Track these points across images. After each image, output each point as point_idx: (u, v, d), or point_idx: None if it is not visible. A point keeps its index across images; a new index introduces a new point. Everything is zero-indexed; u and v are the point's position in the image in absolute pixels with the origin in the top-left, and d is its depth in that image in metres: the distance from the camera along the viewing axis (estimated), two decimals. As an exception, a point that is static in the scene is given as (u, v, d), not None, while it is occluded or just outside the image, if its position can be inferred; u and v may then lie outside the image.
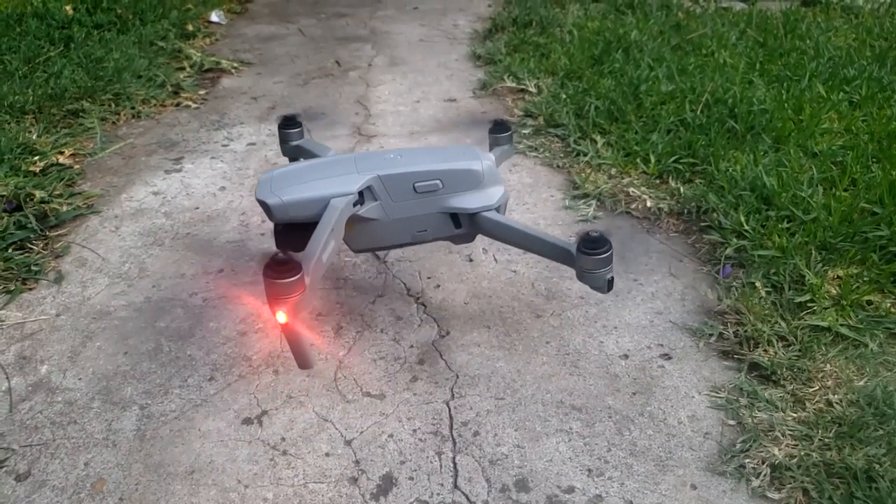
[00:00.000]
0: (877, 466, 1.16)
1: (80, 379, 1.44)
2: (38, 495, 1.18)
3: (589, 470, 1.22)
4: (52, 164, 2.28)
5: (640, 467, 1.23)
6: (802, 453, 1.20)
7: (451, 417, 1.33)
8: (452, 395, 1.39)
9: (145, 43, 3.46)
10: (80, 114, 2.66)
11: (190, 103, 2.94)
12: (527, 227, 1.49)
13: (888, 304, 1.55)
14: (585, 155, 2.31)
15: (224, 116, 2.82)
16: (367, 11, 4.56)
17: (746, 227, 1.79)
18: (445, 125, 2.70)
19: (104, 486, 1.19)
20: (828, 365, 1.39)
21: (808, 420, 1.27)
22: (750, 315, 1.53)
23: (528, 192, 2.16)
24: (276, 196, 1.38)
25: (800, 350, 1.43)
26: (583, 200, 2.07)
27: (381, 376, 1.44)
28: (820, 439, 1.23)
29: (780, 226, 1.78)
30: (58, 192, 2.11)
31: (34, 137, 2.39)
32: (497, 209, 1.50)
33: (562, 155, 2.38)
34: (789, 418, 1.28)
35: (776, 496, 1.15)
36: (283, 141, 1.80)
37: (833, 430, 1.24)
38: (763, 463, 1.20)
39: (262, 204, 1.39)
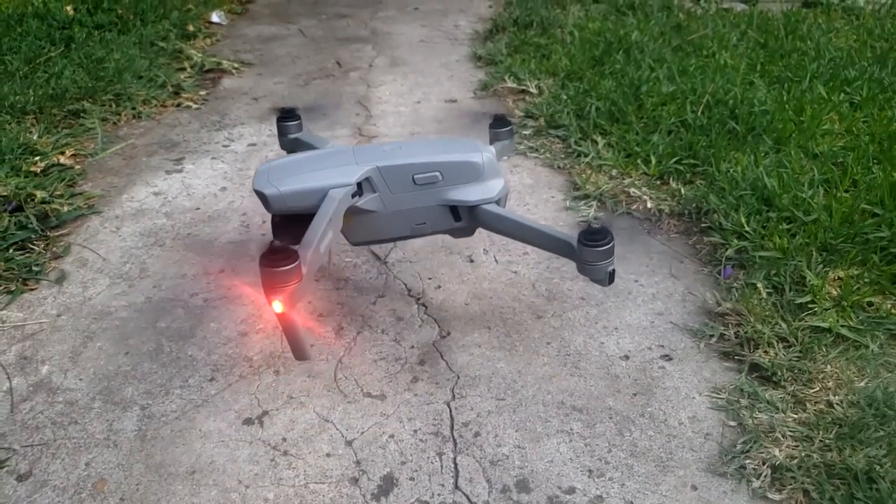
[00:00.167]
0: (877, 467, 1.16)
1: (81, 379, 1.44)
2: (39, 495, 1.18)
3: (590, 471, 1.22)
4: (53, 165, 2.29)
5: (640, 468, 1.23)
6: (803, 454, 1.20)
7: (451, 418, 1.33)
8: (453, 396, 1.39)
9: (146, 43, 3.46)
10: (81, 114, 2.67)
11: (191, 104, 2.94)
12: (527, 220, 1.48)
13: (889, 306, 1.55)
14: (586, 156, 2.32)
15: (225, 117, 2.82)
16: (367, 12, 4.56)
17: (747, 229, 1.79)
18: (446, 126, 2.70)
19: (105, 487, 1.19)
20: (828, 366, 1.39)
21: (808, 421, 1.27)
22: (750, 316, 1.53)
23: (528, 192, 2.16)
24: (274, 187, 1.36)
25: (800, 351, 1.43)
26: (583, 201, 2.07)
27: (382, 377, 1.44)
28: (820, 440, 1.23)
29: (780, 227, 1.78)
30: (59, 193, 2.11)
31: (35, 138, 2.39)
32: (497, 202, 1.49)
33: (562, 156, 2.38)
34: (790, 419, 1.28)
35: (777, 497, 1.15)
36: (282, 134, 1.79)
37: (834, 431, 1.24)
38: (764, 464, 1.20)
39: (260, 195, 1.37)
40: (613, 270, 1.37)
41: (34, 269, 1.77)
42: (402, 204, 1.47)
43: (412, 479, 1.21)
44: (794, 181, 1.95)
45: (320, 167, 1.42)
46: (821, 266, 1.66)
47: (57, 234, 1.94)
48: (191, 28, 3.89)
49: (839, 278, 1.64)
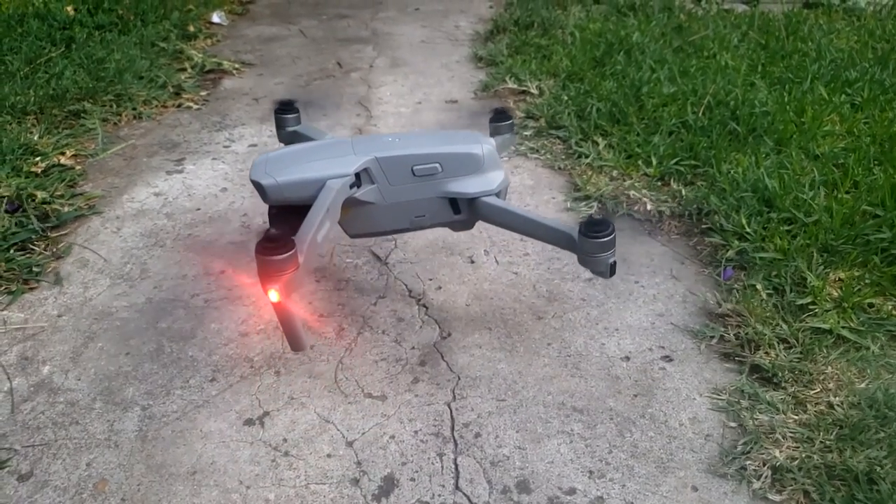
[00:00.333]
0: (878, 469, 1.16)
1: (81, 380, 1.44)
2: (40, 495, 1.18)
3: (590, 471, 1.22)
4: (54, 165, 2.29)
5: (641, 469, 1.23)
6: (803, 455, 1.21)
7: (452, 419, 1.34)
8: (454, 397, 1.39)
9: (146, 44, 3.46)
10: (82, 115, 2.67)
11: (191, 104, 2.94)
12: (527, 212, 1.47)
13: (890, 307, 1.55)
14: (587, 157, 2.32)
15: (225, 117, 2.82)
16: (368, 13, 4.56)
17: (748, 230, 1.80)
18: (447, 126, 2.70)
19: (106, 487, 1.20)
20: (829, 367, 1.39)
21: (809, 422, 1.27)
22: (751, 317, 1.53)
23: (529, 193, 2.16)
24: (271, 177, 1.34)
25: (801, 352, 1.43)
26: (584, 202, 2.07)
27: (383, 377, 1.44)
28: (821, 441, 1.23)
29: (781, 228, 1.78)
30: (59, 193, 2.11)
31: (36, 138, 2.39)
32: (497, 195, 1.47)
33: (563, 157, 2.38)
34: (790, 420, 1.28)
35: (777, 498, 1.15)
36: (280, 126, 1.78)
37: (834, 433, 1.24)
38: (764, 465, 1.20)
39: (256, 185, 1.36)
40: (615, 262, 1.35)
41: (35, 269, 1.77)
42: (401, 196, 1.45)
43: (413, 479, 1.21)
44: (794, 182, 1.95)
45: (318, 158, 1.40)
46: (821, 267, 1.66)
47: (58, 234, 1.94)
48: (191, 28, 3.90)
49: (840, 279, 1.64)
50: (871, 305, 1.56)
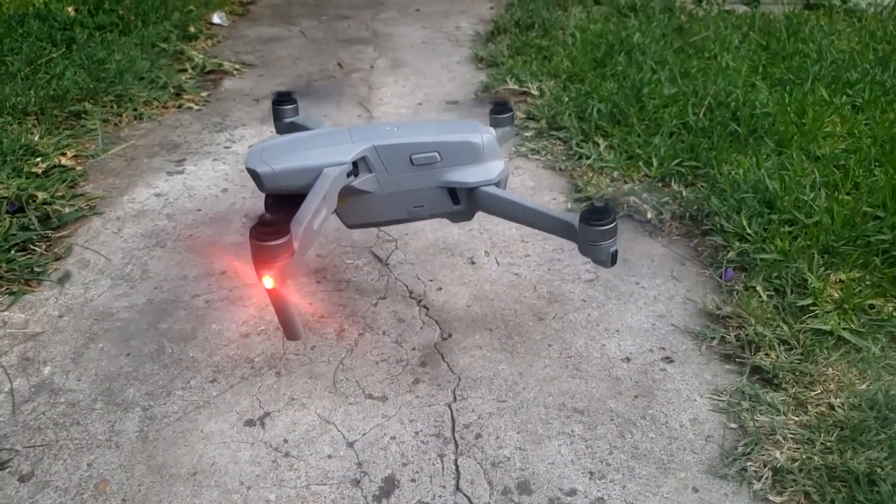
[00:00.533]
0: (878, 470, 1.16)
1: (82, 380, 1.44)
2: (41, 496, 1.18)
3: (591, 472, 1.22)
4: (55, 166, 2.29)
5: (641, 470, 1.23)
6: (804, 457, 1.20)
7: (453, 420, 1.34)
8: (454, 398, 1.39)
9: (147, 44, 3.46)
10: (82, 115, 2.67)
11: (192, 105, 2.94)
12: (527, 202, 1.45)
13: (890, 308, 1.55)
14: (588, 158, 2.32)
15: (226, 118, 2.82)
16: (369, 13, 4.56)
17: (749, 231, 1.79)
18: (447, 127, 2.70)
19: (107, 487, 1.20)
20: (830, 369, 1.39)
21: (809, 423, 1.27)
22: (752, 319, 1.53)
23: (529, 194, 2.16)
24: (267, 165, 1.33)
25: (802, 354, 1.43)
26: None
27: (384, 378, 1.44)
28: (822, 443, 1.23)
29: (782, 229, 1.78)
30: (60, 194, 2.11)
31: (36, 139, 2.39)
32: (497, 184, 1.46)
33: (564, 158, 2.38)
34: (791, 422, 1.28)
35: (778, 499, 1.15)
36: (278, 117, 1.77)
37: (835, 434, 1.24)
38: (765, 466, 1.20)
39: (252, 173, 1.34)
40: (616, 251, 1.33)
41: (36, 270, 1.77)
42: (399, 185, 1.43)
43: (413, 480, 1.21)
44: (795, 184, 1.95)
45: (315, 146, 1.39)
46: (822, 269, 1.66)
47: (58, 235, 1.94)
48: (192, 29, 3.90)
49: (841, 281, 1.64)
50: (871, 307, 1.56)
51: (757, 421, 1.29)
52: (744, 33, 3.52)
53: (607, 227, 1.30)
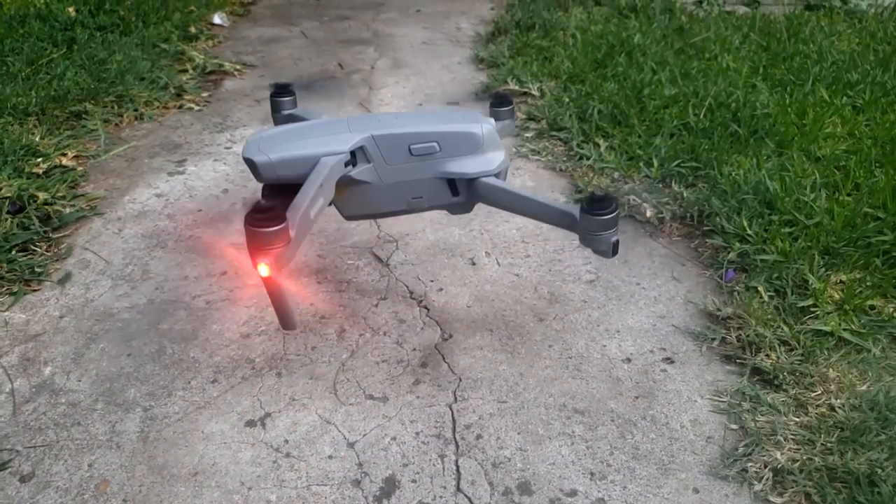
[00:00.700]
0: (879, 471, 1.16)
1: (83, 381, 1.44)
2: (42, 496, 1.18)
3: (591, 473, 1.22)
4: (56, 166, 2.29)
5: (642, 471, 1.23)
6: (805, 458, 1.21)
7: (453, 420, 1.34)
8: (455, 399, 1.39)
9: (148, 45, 3.47)
10: (83, 116, 2.67)
11: (193, 105, 2.94)
12: (528, 193, 1.44)
13: (891, 309, 1.55)
14: (588, 158, 2.32)
15: (227, 119, 2.82)
16: (369, 14, 4.56)
17: (749, 232, 1.80)
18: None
19: (108, 488, 1.20)
20: (830, 369, 1.39)
21: (810, 424, 1.27)
22: (752, 319, 1.53)
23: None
24: (264, 154, 1.32)
25: (802, 355, 1.43)
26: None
27: (384, 379, 1.44)
28: (822, 444, 1.23)
29: (782, 230, 1.78)
30: (61, 194, 2.11)
31: (37, 139, 2.39)
32: (497, 175, 1.44)
33: (564, 158, 2.38)
34: (792, 423, 1.28)
35: (778, 500, 1.15)
36: (276, 110, 1.75)
37: (835, 435, 1.24)
38: (765, 467, 1.20)
39: (249, 162, 1.33)
40: (617, 241, 1.32)
41: (37, 270, 1.77)
42: (398, 176, 1.42)
43: (414, 481, 1.21)
44: (796, 184, 1.95)
45: (313, 136, 1.38)
46: (823, 270, 1.66)
47: (59, 235, 1.94)
48: (193, 30, 3.90)
49: (841, 282, 1.64)
50: (872, 308, 1.56)
51: (757, 422, 1.29)
52: (744, 34, 3.52)
53: (608, 216, 1.29)
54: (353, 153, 1.37)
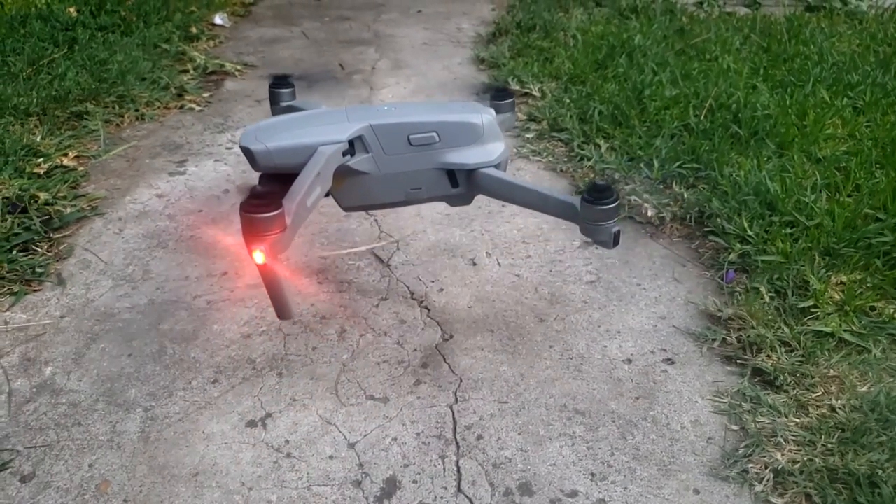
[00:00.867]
0: (880, 472, 1.16)
1: (84, 381, 1.44)
2: (42, 496, 1.18)
3: (592, 474, 1.22)
4: (57, 166, 2.29)
5: (643, 472, 1.23)
6: (805, 458, 1.21)
7: (454, 421, 1.34)
8: (456, 399, 1.39)
9: (149, 45, 3.47)
10: (84, 116, 2.67)
11: (194, 106, 2.94)
12: (528, 183, 1.43)
13: (892, 310, 1.55)
14: (589, 159, 2.32)
15: (228, 119, 2.82)
16: (370, 15, 4.56)
17: (750, 233, 1.80)
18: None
19: (109, 488, 1.20)
20: (831, 370, 1.39)
21: (811, 425, 1.27)
22: (753, 320, 1.53)
23: (531, 196, 2.16)
24: (261, 143, 1.31)
25: (803, 356, 1.43)
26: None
27: (385, 380, 1.44)
28: (823, 445, 1.23)
29: (783, 231, 1.78)
30: (62, 194, 2.11)
31: (38, 139, 2.39)
32: (497, 166, 1.43)
33: (565, 159, 2.38)
34: (792, 424, 1.28)
35: (779, 501, 1.15)
36: (274, 101, 1.74)
37: (836, 436, 1.24)
38: (766, 468, 1.20)
39: (246, 151, 1.32)
40: (619, 231, 1.31)
41: (38, 270, 1.77)
42: (397, 166, 1.41)
43: (415, 482, 1.21)
44: (796, 185, 1.95)
45: (311, 125, 1.37)
46: (823, 270, 1.66)
47: (60, 235, 1.94)
48: (194, 30, 3.90)
49: (842, 283, 1.64)
50: (872, 309, 1.56)
51: (758, 423, 1.29)
52: (745, 35, 3.52)
53: (610, 206, 1.28)
54: (351, 143, 1.36)
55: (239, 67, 3.45)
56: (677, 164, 2.18)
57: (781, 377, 1.38)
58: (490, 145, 1.44)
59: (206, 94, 3.09)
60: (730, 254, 1.77)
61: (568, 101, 2.73)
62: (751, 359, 1.45)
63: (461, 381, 1.43)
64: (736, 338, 1.51)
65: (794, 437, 1.25)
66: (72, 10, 3.81)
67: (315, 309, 1.65)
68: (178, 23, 3.88)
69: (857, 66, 2.97)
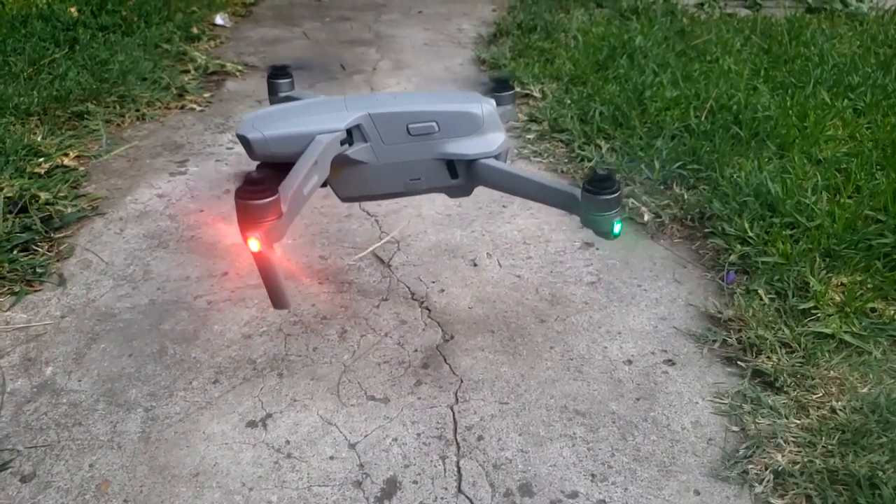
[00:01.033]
0: (880, 473, 1.16)
1: (84, 381, 1.44)
2: (42, 496, 1.18)
3: (592, 475, 1.22)
4: (57, 166, 2.29)
5: (643, 472, 1.23)
6: (806, 460, 1.21)
7: (455, 422, 1.34)
8: (456, 400, 1.39)
9: (150, 45, 3.47)
10: (85, 116, 2.67)
11: (194, 106, 2.94)
12: (528, 174, 1.42)
13: (892, 312, 1.55)
14: (590, 160, 2.32)
15: (229, 119, 2.83)
16: (371, 15, 4.57)
17: (750, 234, 1.80)
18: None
19: (109, 488, 1.20)
20: (831, 372, 1.39)
21: (811, 427, 1.27)
22: (753, 322, 1.53)
23: (532, 196, 2.16)
24: (258, 131, 1.30)
25: (803, 357, 1.43)
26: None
27: (386, 380, 1.44)
28: (823, 446, 1.23)
29: (784, 232, 1.78)
30: (62, 194, 2.11)
31: (39, 139, 2.39)
32: (497, 157, 1.42)
33: (566, 160, 2.39)
34: (792, 425, 1.28)
35: (779, 502, 1.16)
36: (273, 92, 1.73)
37: (836, 437, 1.24)
38: (766, 469, 1.20)
39: (243, 140, 1.31)
40: (620, 222, 1.30)
41: (38, 270, 1.77)
42: (396, 156, 1.40)
43: (415, 482, 1.21)
44: (797, 187, 1.95)
45: (309, 114, 1.36)
46: (824, 272, 1.66)
47: (61, 235, 1.94)
48: (195, 30, 3.90)
49: (842, 284, 1.64)
50: (873, 310, 1.56)
51: (758, 424, 1.29)
52: (745, 36, 3.52)
53: (611, 196, 1.27)
54: (349, 132, 1.35)
55: (240, 68, 3.46)
56: (678, 165, 2.18)
57: (782, 378, 1.38)
58: (490, 136, 1.43)
59: (206, 95, 3.09)
60: (730, 255, 1.77)
61: (569, 101, 2.73)
62: (751, 360, 1.45)
63: (462, 381, 1.43)
64: (736, 339, 1.51)
65: (794, 439, 1.25)
66: (73, 9, 3.81)
67: (316, 309, 1.65)
68: (179, 23, 3.88)
69: (858, 67, 2.97)
